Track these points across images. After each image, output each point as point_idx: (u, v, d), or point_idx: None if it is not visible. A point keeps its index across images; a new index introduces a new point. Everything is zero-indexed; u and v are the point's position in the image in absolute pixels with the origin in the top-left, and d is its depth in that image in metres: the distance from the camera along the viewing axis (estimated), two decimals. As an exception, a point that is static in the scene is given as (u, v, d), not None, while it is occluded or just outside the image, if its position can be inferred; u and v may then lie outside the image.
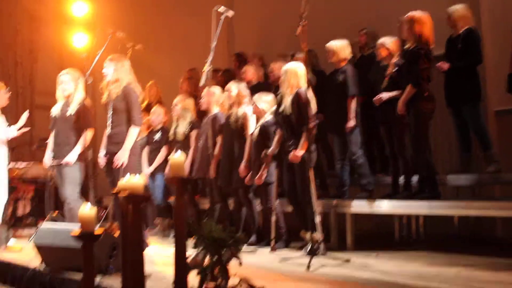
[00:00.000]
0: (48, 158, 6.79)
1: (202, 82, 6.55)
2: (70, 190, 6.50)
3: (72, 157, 6.43)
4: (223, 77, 9.24)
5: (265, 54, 9.39)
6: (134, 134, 6.21)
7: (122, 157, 6.10)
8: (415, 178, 6.57)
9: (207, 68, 6.43)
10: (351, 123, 6.82)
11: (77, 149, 6.53)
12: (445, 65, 6.65)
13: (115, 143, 6.24)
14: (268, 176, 6.62)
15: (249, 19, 11.54)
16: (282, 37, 10.19)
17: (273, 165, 6.63)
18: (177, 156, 3.05)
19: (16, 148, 11.47)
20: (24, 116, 7.81)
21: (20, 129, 7.52)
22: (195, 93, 9.00)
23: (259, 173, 6.61)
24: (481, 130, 6.69)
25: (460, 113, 6.82)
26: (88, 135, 6.53)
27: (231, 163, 7.02)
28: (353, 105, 6.85)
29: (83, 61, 6.50)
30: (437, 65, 6.71)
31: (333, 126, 7.24)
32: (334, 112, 7.18)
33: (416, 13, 6.21)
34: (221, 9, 6.53)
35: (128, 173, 3.30)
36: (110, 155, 6.28)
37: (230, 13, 6.68)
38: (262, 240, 6.81)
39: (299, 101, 5.96)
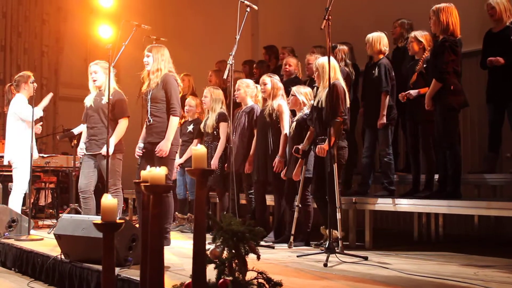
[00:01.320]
0: (81, 147, 6.86)
1: (225, 74, 6.56)
2: (112, 180, 6.56)
3: (109, 148, 6.45)
4: (257, 69, 9.26)
5: (294, 46, 9.37)
6: (174, 124, 6.22)
7: (164, 147, 6.11)
8: (435, 177, 6.55)
9: (230, 60, 6.45)
10: (383, 119, 6.79)
11: (113, 139, 6.56)
12: (500, 60, 6.47)
13: (155, 133, 6.26)
14: (307, 170, 6.48)
15: (274, 13, 11.58)
16: (307, 31, 10.22)
17: (311, 159, 6.51)
18: (199, 148, 3.06)
19: (40, 139, 11.63)
20: (48, 97, 7.95)
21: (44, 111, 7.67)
22: (223, 86, 9.03)
23: (296, 169, 6.55)
24: None
25: (500, 111, 6.71)
26: (123, 124, 6.58)
27: (266, 157, 6.97)
28: (386, 101, 6.81)
29: (107, 52, 6.51)
30: (491, 60, 6.53)
31: (367, 121, 7.23)
32: (368, 107, 7.17)
33: (442, 4, 6.14)
34: (246, 1, 6.54)
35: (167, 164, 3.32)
36: (149, 145, 6.31)
37: (255, 6, 6.69)
38: (280, 236, 6.81)
39: (333, 94, 5.88)
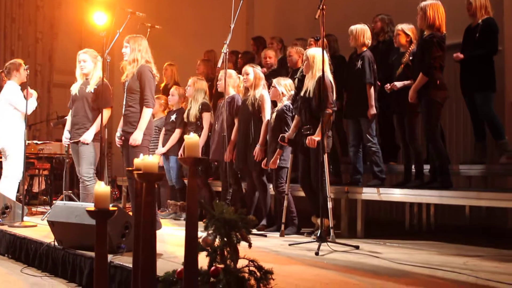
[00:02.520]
0: (65, 136, 6.91)
1: (219, 63, 6.57)
2: (85, 168, 6.63)
3: (88, 136, 6.56)
4: (242, 60, 9.26)
5: (284, 37, 9.39)
6: (147, 115, 6.25)
7: (136, 137, 6.17)
8: (427, 167, 6.60)
9: (225, 49, 6.46)
10: (373, 110, 6.83)
11: (93, 128, 6.64)
12: (460, 56, 6.73)
13: (129, 122, 6.32)
14: (282, 160, 6.65)
15: (269, 2, 11.55)
16: (301, 20, 10.22)
17: (288, 149, 6.63)
18: (192, 137, 3.09)
19: (34, 126, 11.63)
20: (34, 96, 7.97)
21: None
22: (211, 75, 9.05)
23: (273, 157, 6.64)
24: (491, 118, 6.74)
25: (473, 102, 6.85)
26: (105, 114, 6.59)
27: (247, 146, 7.05)
28: (372, 92, 6.85)
29: (102, 39, 6.52)
30: (453, 56, 6.76)
31: (349, 112, 7.27)
32: (351, 98, 7.22)
33: (429, 1, 6.22)
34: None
35: (141, 154, 3.34)
36: (124, 134, 6.37)
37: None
38: (273, 224, 6.87)
39: (321, 85, 5.93)
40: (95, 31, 8.73)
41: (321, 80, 5.84)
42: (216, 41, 8.72)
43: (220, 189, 7.76)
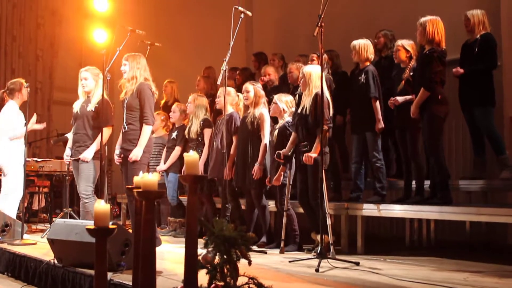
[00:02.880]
0: (67, 154, 6.92)
1: (219, 80, 6.60)
2: (84, 186, 6.62)
3: (88, 154, 6.56)
4: (240, 76, 9.29)
5: (283, 54, 9.43)
6: (147, 132, 6.27)
7: (136, 154, 6.17)
8: (427, 183, 6.60)
9: (224, 66, 6.48)
10: (380, 124, 6.84)
11: (93, 147, 6.64)
12: (460, 71, 6.74)
13: (128, 140, 6.33)
14: (284, 177, 6.65)
15: (268, 19, 11.61)
16: (301, 37, 10.26)
17: (287, 166, 6.63)
18: (191, 155, 3.10)
19: (34, 143, 11.64)
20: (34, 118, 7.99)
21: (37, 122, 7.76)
22: (211, 92, 9.06)
23: (277, 174, 6.64)
24: (492, 134, 6.73)
25: (473, 117, 6.86)
26: (105, 132, 6.60)
27: (245, 164, 7.04)
28: (377, 105, 6.87)
29: (102, 57, 6.55)
30: (453, 71, 6.78)
31: (355, 127, 7.28)
32: (356, 113, 7.23)
33: (428, 17, 6.26)
34: (241, 8, 6.57)
35: (141, 171, 3.36)
36: (123, 152, 6.38)
37: (249, 13, 6.73)
38: (273, 241, 6.86)
39: (317, 102, 5.94)
40: (95, 48, 8.79)
41: (318, 97, 5.85)
42: (215, 57, 8.75)
43: (219, 206, 7.74)
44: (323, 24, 5.64)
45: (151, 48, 8.56)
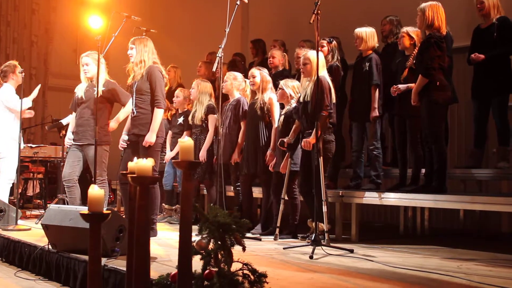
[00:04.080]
0: (69, 137, 6.88)
1: (214, 67, 6.58)
2: (99, 171, 6.58)
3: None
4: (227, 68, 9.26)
5: (285, 40, 9.38)
6: (159, 116, 6.22)
7: (150, 139, 6.13)
8: (423, 171, 6.60)
9: (220, 53, 6.46)
10: (375, 112, 6.85)
11: (122, 116, 6.65)
12: (481, 56, 6.61)
13: (140, 125, 6.27)
14: (293, 164, 6.54)
15: (264, 6, 11.57)
16: (297, 24, 10.22)
17: (298, 154, 6.55)
18: (186, 141, 3.09)
19: (28, 129, 11.62)
20: (37, 88, 7.96)
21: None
22: (212, 78, 9.02)
23: (283, 162, 6.60)
24: (504, 123, 6.66)
25: (485, 106, 6.78)
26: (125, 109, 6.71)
27: (257, 150, 7.01)
28: (377, 94, 6.87)
29: (97, 43, 6.52)
30: (472, 57, 6.67)
31: (355, 115, 7.27)
32: (357, 101, 7.21)
33: (429, 2, 6.20)
34: (237, -7, 6.55)
35: (152, 156, 3.34)
36: (134, 137, 6.34)
37: (246, 0, 6.70)
38: (268, 228, 6.86)
39: (318, 88, 5.90)
40: (90, 35, 8.76)
41: (320, 82, 5.83)
42: (212, 44, 8.73)
43: (231, 193, 7.69)
44: (319, 11, 5.62)
45: (146, 34, 8.50)
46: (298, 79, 7.05)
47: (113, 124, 6.77)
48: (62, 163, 8.68)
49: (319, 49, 6.98)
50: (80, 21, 12.29)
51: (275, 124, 6.89)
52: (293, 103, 6.68)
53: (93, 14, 11.70)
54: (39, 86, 8.23)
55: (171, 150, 8.39)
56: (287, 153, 6.54)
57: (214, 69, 6.69)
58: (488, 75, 6.69)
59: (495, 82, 6.64)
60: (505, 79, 6.64)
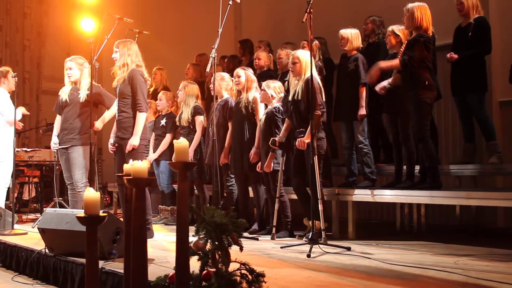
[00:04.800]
0: (54, 142, 6.90)
1: (208, 68, 6.58)
2: (79, 174, 6.64)
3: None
4: (229, 64, 9.27)
5: (272, 41, 9.41)
6: (142, 119, 6.23)
7: (133, 143, 6.15)
8: (417, 168, 6.62)
9: (213, 54, 6.46)
10: (363, 111, 6.88)
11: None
12: (454, 56, 6.73)
13: (123, 128, 6.29)
14: (276, 163, 6.63)
15: (257, 6, 11.58)
16: (290, 24, 10.25)
17: (280, 152, 6.61)
18: (181, 141, 3.10)
19: (23, 133, 11.59)
20: (24, 111, 7.98)
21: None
22: (200, 79, 9.04)
23: (267, 161, 6.63)
24: (484, 120, 6.76)
25: (464, 103, 6.87)
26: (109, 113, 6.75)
27: (242, 148, 7.02)
28: (364, 93, 6.91)
29: (90, 46, 6.52)
30: (447, 56, 6.77)
31: (342, 114, 7.29)
32: (344, 100, 7.23)
33: (416, 3, 6.22)
34: (229, -6, 6.55)
35: (136, 159, 3.34)
36: (118, 140, 6.35)
37: (238, 0, 6.71)
38: (265, 228, 6.87)
39: (309, 88, 5.91)
40: (83, 37, 8.77)
41: (309, 82, 5.83)
42: (204, 45, 8.72)
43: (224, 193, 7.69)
44: (311, 10, 5.63)
45: (139, 36, 8.52)
46: (281, 80, 7.11)
47: (98, 124, 6.82)
48: (57, 167, 8.67)
49: (303, 48, 7.05)
50: (73, 24, 12.28)
51: (259, 123, 6.91)
52: (275, 103, 6.72)
53: (85, 17, 11.72)
54: (24, 111, 8.21)
55: (153, 152, 8.41)
56: (271, 152, 6.58)
57: (207, 70, 6.69)
58: (461, 73, 6.82)
59: (469, 81, 6.75)
60: (479, 79, 6.74)
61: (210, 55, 6.52)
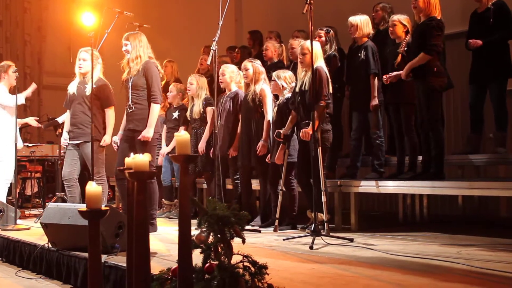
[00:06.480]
0: (64, 137, 6.88)
1: (208, 60, 6.56)
2: (96, 168, 6.58)
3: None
4: (239, 54, 9.24)
5: (280, 30, 9.34)
6: (156, 111, 6.23)
7: (147, 135, 6.13)
8: (419, 159, 6.60)
9: (214, 46, 6.44)
10: (376, 101, 6.84)
11: (109, 131, 6.67)
12: (478, 42, 6.58)
13: (136, 120, 6.26)
14: (290, 156, 6.55)
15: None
16: (290, 15, 10.19)
17: (295, 145, 6.56)
18: (182, 134, 3.08)
19: (24, 128, 11.58)
20: (32, 87, 7.93)
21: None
22: (212, 71, 8.99)
23: (277, 153, 6.59)
24: (502, 109, 6.65)
25: (482, 92, 6.76)
26: (110, 114, 6.63)
27: (250, 141, 7.01)
28: (375, 83, 6.85)
29: (90, 40, 6.50)
30: (470, 42, 6.64)
31: (355, 104, 7.25)
32: (355, 90, 7.19)
33: None
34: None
35: (149, 152, 3.33)
36: (130, 132, 6.31)
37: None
38: (268, 219, 6.86)
39: (316, 78, 5.88)
40: (84, 32, 8.71)
41: (318, 72, 5.81)
42: (205, 38, 8.70)
43: (230, 186, 7.67)
44: (311, 1, 5.60)
45: (140, 29, 8.48)
46: (292, 70, 7.04)
47: (107, 138, 6.73)
48: (59, 162, 8.67)
49: (317, 39, 7.00)
50: (73, 18, 12.21)
51: (267, 115, 6.87)
52: (287, 94, 6.66)
53: (86, 11, 11.62)
54: (34, 86, 8.21)
55: (166, 145, 8.38)
56: (281, 144, 6.54)
57: (208, 62, 6.67)
58: (486, 60, 6.67)
59: (493, 68, 6.62)
60: (503, 65, 6.63)
61: (211, 48, 6.50)
